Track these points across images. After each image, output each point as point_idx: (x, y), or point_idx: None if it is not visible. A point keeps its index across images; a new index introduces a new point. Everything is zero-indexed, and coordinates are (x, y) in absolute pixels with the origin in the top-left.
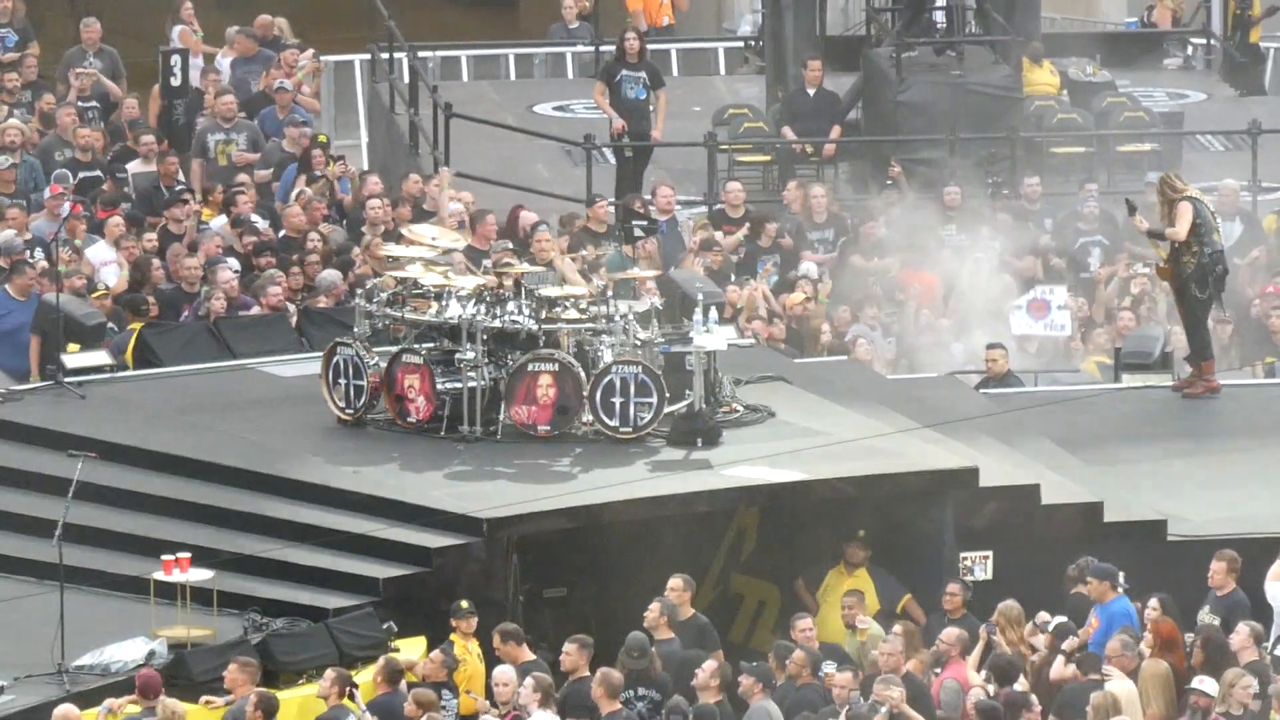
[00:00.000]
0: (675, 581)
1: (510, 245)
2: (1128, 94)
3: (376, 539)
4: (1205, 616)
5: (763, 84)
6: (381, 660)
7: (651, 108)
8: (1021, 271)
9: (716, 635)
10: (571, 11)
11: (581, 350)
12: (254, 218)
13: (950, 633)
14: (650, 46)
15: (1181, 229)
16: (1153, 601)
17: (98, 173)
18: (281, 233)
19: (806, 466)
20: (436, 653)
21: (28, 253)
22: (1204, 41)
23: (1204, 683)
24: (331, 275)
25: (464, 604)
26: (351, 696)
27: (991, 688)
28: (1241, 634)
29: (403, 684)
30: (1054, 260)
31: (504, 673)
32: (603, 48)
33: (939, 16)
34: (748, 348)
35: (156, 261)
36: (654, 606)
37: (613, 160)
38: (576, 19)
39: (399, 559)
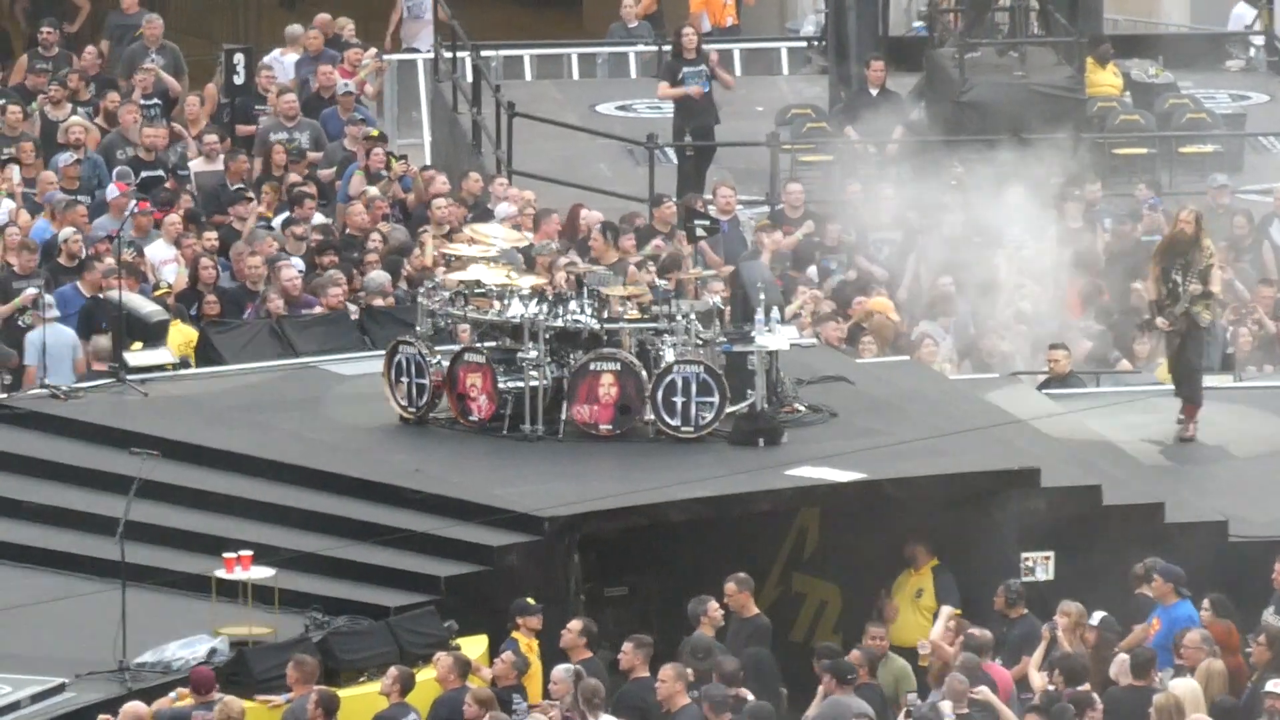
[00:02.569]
0: (729, 585)
1: (554, 245)
2: (1190, 95)
3: (438, 537)
4: (1270, 617)
5: (825, 84)
6: (450, 657)
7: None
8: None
9: (770, 637)
10: (631, 10)
11: (643, 349)
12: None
13: (975, 631)
14: (714, 47)
15: (1219, 286)
16: (1205, 602)
17: (160, 171)
18: (346, 231)
19: (868, 466)
20: (508, 654)
21: (87, 249)
22: (1264, 43)
23: (1279, 684)
24: (380, 275)
25: (531, 600)
26: None
27: (1051, 687)
28: None
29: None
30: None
31: (558, 672)
32: (665, 47)
33: (1002, 17)
34: (809, 348)
35: (206, 260)
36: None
37: (675, 160)
38: (637, 19)
39: (460, 557)
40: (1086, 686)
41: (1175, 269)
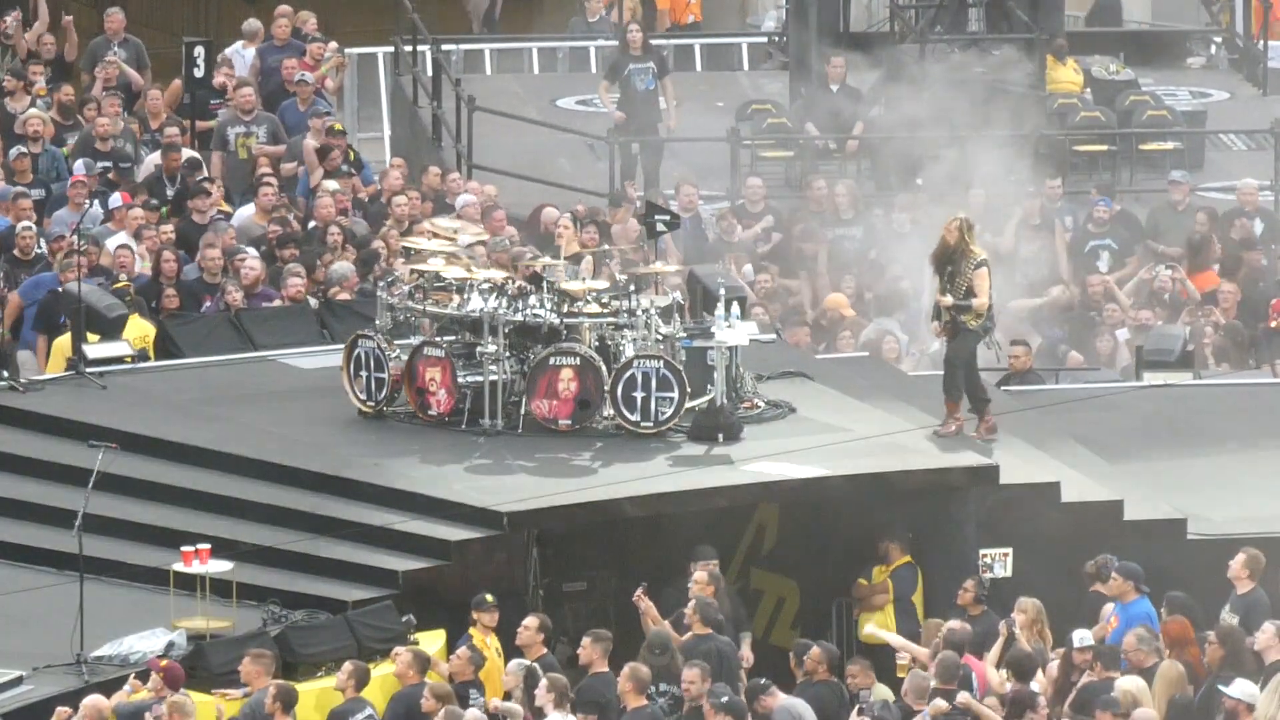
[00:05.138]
0: (700, 575)
1: (508, 240)
2: (1150, 92)
3: (396, 531)
4: (1226, 615)
5: (786, 80)
6: (410, 653)
7: (661, 99)
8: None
9: (722, 630)
10: (597, 4)
11: (603, 344)
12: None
13: (955, 625)
14: (675, 42)
15: (984, 297)
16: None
17: (126, 164)
18: (312, 224)
19: (827, 463)
20: (464, 650)
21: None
22: (1220, 41)
23: (1235, 686)
24: (343, 267)
25: (488, 597)
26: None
27: (1010, 684)
28: (1268, 633)
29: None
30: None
31: (511, 666)
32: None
33: (962, 13)
34: (770, 343)
35: (168, 254)
36: (691, 605)
37: (635, 154)
38: (596, 14)
39: (419, 552)
40: (1043, 685)
41: (945, 278)
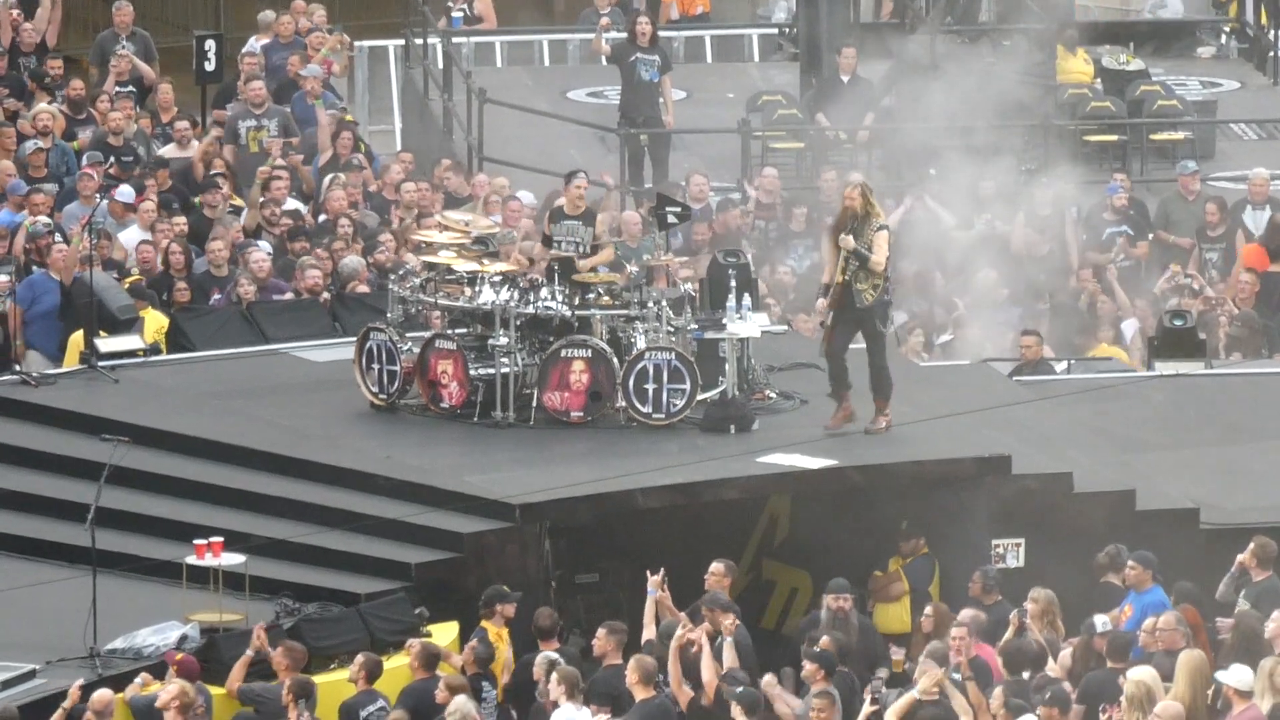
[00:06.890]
0: (717, 566)
1: (516, 233)
2: (1161, 82)
3: (409, 524)
4: (1240, 603)
5: (796, 71)
6: (419, 645)
7: (660, 98)
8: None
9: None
10: None
11: (615, 336)
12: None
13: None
14: (685, 34)
15: (882, 258)
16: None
17: (130, 158)
18: (322, 217)
19: (839, 453)
20: (474, 642)
21: (54, 235)
22: (1230, 30)
23: (1231, 673)
24: (353, 261)
25: (505, 589)
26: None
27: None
28: (1278, 621)
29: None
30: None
31: (538, 659)
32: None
33: (978, 5)
34: (781, 334)
35: (176, 246)
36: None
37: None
38: (608, 5)
39: (431, 544)
40: (1058, 672)
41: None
